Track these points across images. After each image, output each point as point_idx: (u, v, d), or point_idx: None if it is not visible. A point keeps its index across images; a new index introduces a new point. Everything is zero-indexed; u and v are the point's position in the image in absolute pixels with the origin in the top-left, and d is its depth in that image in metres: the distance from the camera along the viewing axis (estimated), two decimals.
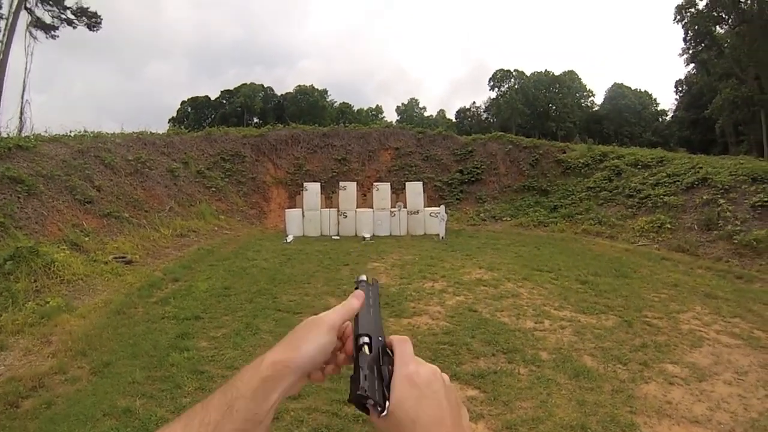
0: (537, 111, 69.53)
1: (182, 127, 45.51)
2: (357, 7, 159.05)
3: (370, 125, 28.16)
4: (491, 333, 6.31)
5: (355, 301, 0.69)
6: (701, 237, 12.20)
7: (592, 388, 4.82)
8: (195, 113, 76.26)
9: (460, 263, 10.79)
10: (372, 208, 16.35)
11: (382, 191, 16.53)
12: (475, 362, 5.46)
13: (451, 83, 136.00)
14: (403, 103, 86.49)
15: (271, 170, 20.68)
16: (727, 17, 36.37)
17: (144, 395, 4.67)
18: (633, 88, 69.95)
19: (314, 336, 0.63)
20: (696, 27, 37.54)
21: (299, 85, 77.00)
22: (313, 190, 16.57)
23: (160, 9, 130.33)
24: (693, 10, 37.71)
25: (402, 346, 0.63)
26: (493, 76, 73.97)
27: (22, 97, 25.27)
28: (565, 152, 20.41)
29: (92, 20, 30.57)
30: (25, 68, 26.23)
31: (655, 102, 70.29)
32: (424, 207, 16.48)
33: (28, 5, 27.78)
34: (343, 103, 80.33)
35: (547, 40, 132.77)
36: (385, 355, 0.63)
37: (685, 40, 40.05)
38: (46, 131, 15.42)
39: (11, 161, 11.20)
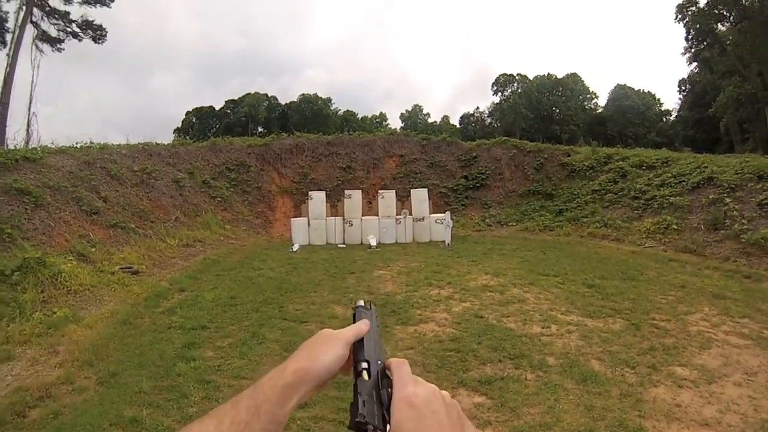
0: (541, 115, 69.48)
1: (187, 137, 45.75)
2: (360, 15, 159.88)
3: (375, 133, 28.23)
4: (498, 339, 6.29)
5: (364, 325, 0.72)
6: (708, 237, 12.11)
7: (600, 393, 4.78)
8: (200, 123, 76.73)
9: (466, 269, 10.76)
10: (377, 215, 16.37)
11: (388, 199, 16.53)
12: (481, 368, 5.44)
13: (454, 89, 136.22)
14: (407, 110, 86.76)
15: (276, 179, 20.73)
16: (728, 14, 36.27)
17: (151, 405, 4.68)
18: (636, 89, 69.67)
19: (331, 348, 0.66)
20: (697, 25, 37.43)
21: (303, 94, 77.40)
22: (318, 198, 16.60)
23: (164, 21, 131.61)
24: (694, 8, 37.59)
25: (400, 368, 0.63)
26: (496, 80, 74.19)
27: (29, 110, 25.61)
28: (569, 155, 20.36)
29: (97, 33, 30.85)
30: (32, 81, 26.60)
31: (658, 102, 70.05)
32: (430, 213, 16.47)
33: (34, 19, 28.13)
34: (347, 111, 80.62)
35: (549, 43, 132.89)
36: (384, 378, 0.64)
37: (686, 38, 39.93)
38: (52, 143, 15.63)
39: (18, 173, 11.29)
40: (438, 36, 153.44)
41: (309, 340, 0.69)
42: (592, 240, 14.74)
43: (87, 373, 5.52)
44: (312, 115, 72.07)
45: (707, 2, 36.51)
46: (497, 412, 4.48)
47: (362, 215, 16.48)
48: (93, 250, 10.65)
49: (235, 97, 77.26)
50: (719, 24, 37.69)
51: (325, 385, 0.68)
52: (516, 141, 22.92)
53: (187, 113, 78.36)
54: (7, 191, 10.39)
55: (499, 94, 73.87)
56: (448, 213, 15.39)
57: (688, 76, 52.81)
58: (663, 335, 6.40)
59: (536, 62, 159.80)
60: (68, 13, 29.42)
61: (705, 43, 39.11)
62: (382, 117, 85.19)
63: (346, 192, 17.12)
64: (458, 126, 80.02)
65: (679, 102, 60.17)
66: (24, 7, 27.29)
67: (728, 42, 37.18)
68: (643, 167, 17.18)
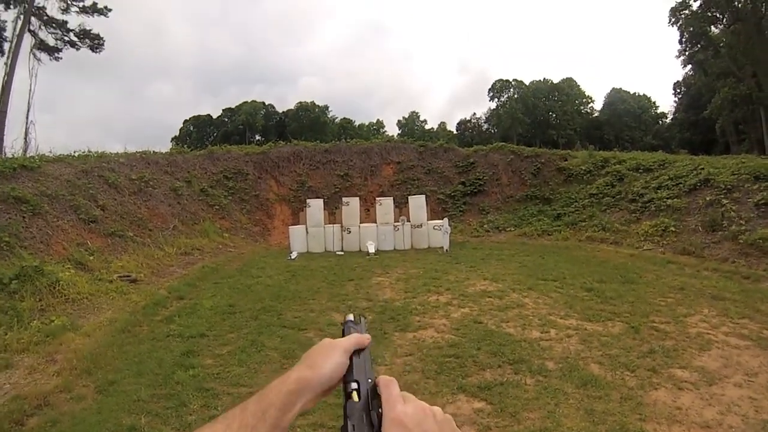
0: (537, 120, 69.72)
1: (185, 146, 45.78)
2: (356, 24, 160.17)
3: (372, 140, 28.28)
4: (497, 344, 6.27)
5: (364, 338, 0.73)
6: (706, 239, 12.14)
7: (600, 397, 4.77)
8: (197, 132, 76.80)
9: (464, 275, 10.76)
10: (375, 222, 16.37)
11: (385, 206, 16.54)
12: (481, 374, 5.42)
13: (451, 95, 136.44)
14: (403, 117, 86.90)
15: (274, 187, 20.75)
16: (721, 17, 36.51)
17: (149, 413, 4.65)
18: (632, 92, 70.17)
19: (331, 357, 0.68)
20: (691, 28, 37.64)
21: (300, 102, 77.51)
22: (316, 206, 16.61)
23: (162, 30, 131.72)
24: (687, 11, 37.85)
25: (388, 389, 0.62)
26: (492, 86, 74.39)
27: (27, 118, 25.64)
28: (566, 160, 20.42)
29: (95, 42, 30.94)
30: (29, 90, 26.64)
31: (654, 105, 70.35)
32: (428, 220, 16.47)
33: (31, 28, 28.21)
34: (345, 118, 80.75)
35: (545, 48, 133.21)
36: (374, 399, 0.62)
37: (680, 41, 40.16)
38: (50, 151, 15.64)
39: (16, 181, 11.29)
40: (434, 43, 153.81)
41: (311, 349, 0.70)
42: (591, 244, 14.75)
43: (85, 382, 5.49)
44: (309, 123, 72.15)
45: (700, 5, 36.76)
46: (497, 417, 4.46)
47: (360, 222, 16.47)
48: (91, 258, 10.63)
49: (233, 106, 77.44)
50: (712, 26, 37.95)
51: (329, 393, 0.69)
52: (513, 146, 22.99)
53: (185, 122, 78.51)
54: (4, 200, 10.38)
55: (496, 99, 74.10)
56: (446, 219, 15.41)
57: (683, 79, 53.17)
58: (662, 337, 6.39)
59: (532, 68, 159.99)
60: (66, 23, 29.56)
61: (699, 45, 39.33)
62: (380, 124, 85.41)
63: (344, 199, 17.13)
64: (455, 132, 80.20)
65: (675, 104, 60.57)
66: (22, 16, 27.38)
67: (722, 44, 37.43)
68: (640, 170, 17.23)
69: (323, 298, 9.17)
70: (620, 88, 70.57)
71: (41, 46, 28.76)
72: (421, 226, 16.22)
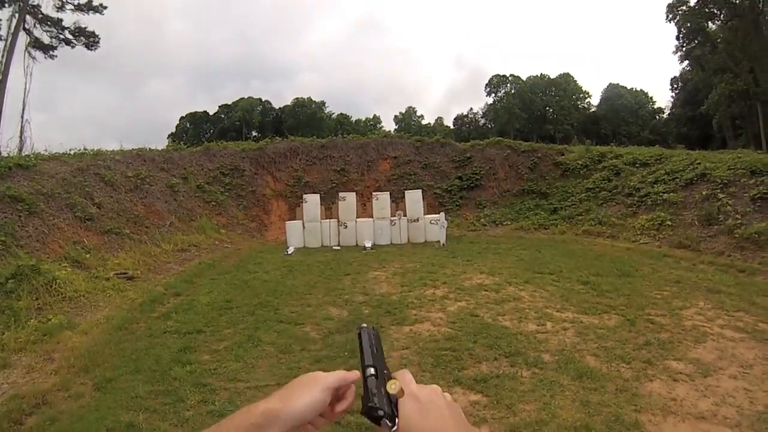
0: (534, 115, 69.68)
1: (181, 142, 45.50)
2: (353, 19, 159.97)
3: (368, 135, 28.17)
4: (493, 337, 6.30)
5: (353, 374, 0.73)
6: (702, 232, 12.19)
7: (596, 389, 4.80)
8: (194, 128, 76.54)
9: (461, 269, 10.78)
10: (372, 217, 16.36)
11: (382, 200, 16.54)
12: (477, 367, 5.45)
13: (448, 91, 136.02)
14: (400, 112, 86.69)
15: (270, 183, 20.72)
16: (718, 12, 36.49)
17: (147, 410, 4.66)
18: (629, 88, 70.08)
19: (309, 392, 0.67)
20: (688, 24, 37.69)
21: (297, 98, 77.37)
22: (312, 201, 16.59)
23: (158, 26, 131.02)
24: (684, 7, 37.89)
25: (403, 374, 0.68)
26: (489, 81, 74.35)
27: (22, 117, 25.44)
28: (563, 154, 20.42)
29: (90, 40, 30.78)
30: (25, 88, 26.45)
31: (651, 100, 70.34)
32: (424, 214, 16.46)
33: (26, 26, 28.05)
34: (341, 114, 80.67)
35: (542, 43, 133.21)
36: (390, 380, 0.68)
37: (678, 37, 40.22)
38: (46, 150, 15.57)
39: (12, 180, 11.26)
40: (431, 38, 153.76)
41: (294, 380, 0.69)
42: (587, 238, 14.79)
43: (83, 379, 5.49)
44: (306, 118, 72.10)
45: (697, 1, 36.78)
46: (493, 409, 4.49)
47: (357, 217, 16.46)
48: (87, 256, 10.63)
49: (229, 102, 77.24)
50: (710, 22, 37.98)
51: (305, 429, 0.68)
52: (510, 141, 22.94)
53: (181, 119, 78.27)
54: (0, 199, 10.35)
55: (493, 95, 74.06)
56: (442, 213, 15.41)
57: (680, 74, 53.20)
58: (658, 330, 6.43)
59: (529, 63, 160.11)
60: (61, 20, 29.39)
61: (696, 41, 39.40)
62: (376, 120, 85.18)
63: (341, 194, 17.12)
64: (452, 127, 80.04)
65: (672, 100, 60.54)
66: (17, 15, 27.23)
67: (719, 40, 37.45)
68: (637, 165, 17.26)
69: (320, 293, 9.18)
70: (617, 84, 70.61)
71: (36, 44, 28.59)
72: (417, 220, 16.23)
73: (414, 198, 16.68)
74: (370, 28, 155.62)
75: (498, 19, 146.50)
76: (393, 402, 0.64)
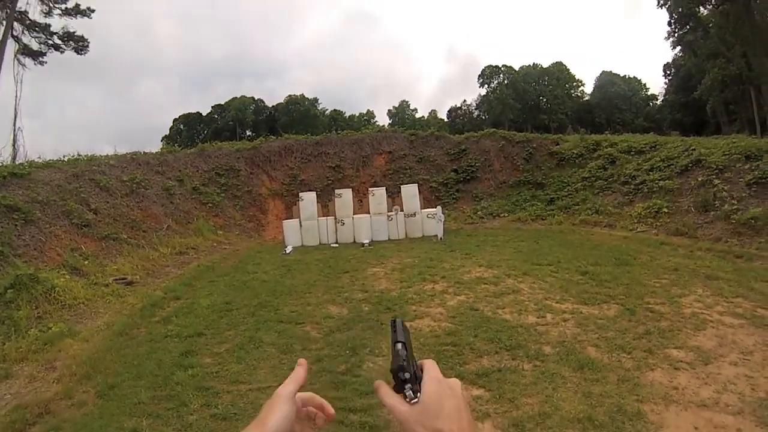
0: (528, 105, 69.66)
1: (175, 144, 45.35)
2: (343, 13, 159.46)
3: (362, 130, 28.11)
4: (494, 331, 6.31)
5: (300, 369, 0.79)
6: (699, 219, 12.21)
7: (598, 379, 4.82)
8: (187, 130, 76.34)
9: (459, 263, 10.79)
10: (369, 213, 16.35)
11: (378, 196, 16.52)
12: (478, 361, 5.46)
13: (440, 83, 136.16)
14: (394, 106, 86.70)
15: (266, 182, 20.68)
16: None
17: (150, 415, 4.67)
18: (622, 75, 70.19)
19: (276, 409, 0.71)
20: (680, 9, 37.54)
21: (290, 95, 77.16)
22: (309, 199, 16.57)
23: (147, 28, 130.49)
24: None
25: (431, 363, 0.74)
26: (482, 73, 74.25)
27: (14, 125, 25.32)
28: (558, 144, 20.41)
29: (79, 44, 30.59)
30: (15, 95, 26.26)
31: (644, 87, 70.48)
32: (421, 209, 16.47)
33: (14, 33, 27.85)
34: (335, 110, 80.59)
35: (534, 32, 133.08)
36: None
37: (669, 23, 40.12)
38: (39, 157, 15.54)
39: (6, 189, 11.20)
40: (422, 31, 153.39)
41: (264, 404, 0.74)
42: (584, 227, 14.81)
43: (85, 387, 5.49)
44: (299, 116, 71.89)
45: None
46: (496, 403, 4.50)
47: (353, 214, 16.46)
48: (86, 263, 10.59)
49: (222, 102, 77.12)
50: (701, 7, 37.84)
51: None
52: (504, 132, 22.92)
53: (175, 120, 78.07)
54: None
55: (486, 86, 73.97)
56: (439, 207, 15.42)
57: (673, 60, 53.22)
58: (658, 319, 6.45)
59: (521, 53, 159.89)
60: (49, 26, 29.15)
61: (688, 26, 39.30)
62: (370, 115, 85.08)
63: (337, 191, 17.10)
64: (446, 120, 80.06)
65: (665, 86, 60.71)
66: (4, 22, 27.03)
67: (711, 25, 37.36)
68: (632, 152, 17.26)
69: (319, 291, 9.19)
70: (610, 71, 70.74)
71: (25, 51, 28.40)
72: (414, 215, 16.21)
73: (410, 192, 16.66)
74: (360, 21, 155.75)
75: (489, 8, 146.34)
76: (419, 378, 0.69)
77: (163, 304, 8.92)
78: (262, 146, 21.92)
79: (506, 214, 18.01)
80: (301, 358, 0.81)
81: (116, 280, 10.27)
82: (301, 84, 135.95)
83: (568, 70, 72.24)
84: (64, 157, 15.68)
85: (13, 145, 23.96)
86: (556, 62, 72.41)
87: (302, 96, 76.94)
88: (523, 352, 5.58)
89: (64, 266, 10.04)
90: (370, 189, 17.46)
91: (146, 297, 9.37)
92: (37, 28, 28.74)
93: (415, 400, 0.66)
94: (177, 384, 5.31)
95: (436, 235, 14.65)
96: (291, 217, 16.83)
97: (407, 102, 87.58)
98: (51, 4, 28.53)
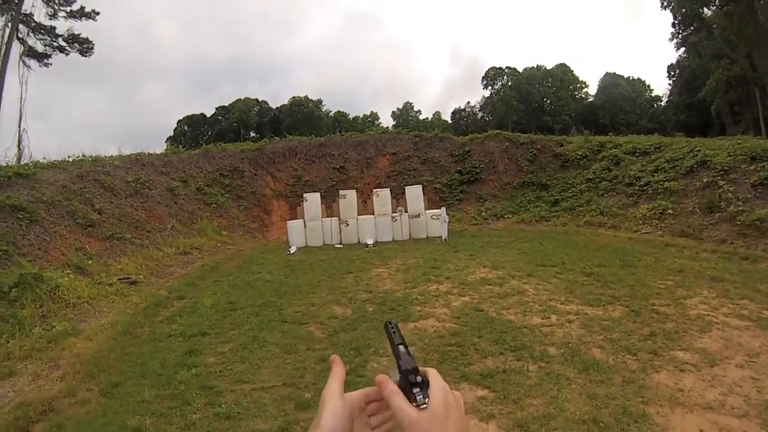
0: (532, 106, 69.50)
1: (180, 145, 45.50)
2: (347, 15, 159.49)
3: (367, 132, 28.18)
4: (498, 332, 6.29)
5: (336, 366, 0.77)
6: (704, 220, 12.17)
7: (603, 381, 4.79)
8: (192, 131, 76.56)
9: (463, 264, 10.77)
10: (373, 214, 16.35)
11: (382, 197, 16.52)
12: (483, 362, 5.44)
13: (444, 85, 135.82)
14: (398, 108, 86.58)
15: (270, 183, 20.71)
16: None
17: (154, 414, 4.66)
18: (626, 76, 69.90)
19: (324, 408, 0.70)
20: (683, 10, 37.39)
21: (294, 97, 77.23)
22: (313, 200, 16.58)
23: (152, 30, 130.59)
24: None
25: (435, 372, 0.71)
26: (485, 74, 74.09)
27: (19, 126, 25.47)
28: (562, 145, 20.41)
29: (84, 46, 30.67)
30: (21, 97, 26.44)
31: (648, 88, 70.17)
32: (425, 210, 16.45)
33: (20, 35, 27.95)
34: (339, 111, 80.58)
35: (537, 34, 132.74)
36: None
37: (673, 24, 39.96)
38: (44, 158, 15.60)
39: (11, 189, 11.25)
40: (427, 33, 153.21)
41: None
42: (589, 228, 14.77)
43: (89, 385, 5.49)
44: (303, 117, 72.00)
45: None
46: (500, 404, 4.48)
47: (358, 215, 16.46)
48: (90, 262, 10.62)
49: (226, 104, 77.22)
50: (705, 8, 37.69)
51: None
52: (508, 133, 22.92)
53: (179, 122, 78.26)
54: (1, 208, 10.35)
55: (490, 87, 73.87)
56: (443, 208, 15.40)
57: (677, 61, 52.93)
58: (663, 320, 6.42)
59: (525, 54, 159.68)
60: (54, 28, 29.22)
61: (692, 27, 39.13)
62: (374, 116, 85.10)
63: (341, 192, 17.11)
64: (450, 121, 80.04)
65: (669, 87, 60.31)
66: (10, 24, 27.12)
67: (715, 26, 37.20)
68: (637, 154, 17.23)
69: (323, 292, 9.18)
70: (614, 73, 70.41)
71: (30, 53, 28.50)
72: (418, 216, 16.21)
73: (414, 193, 16.66)
74: (363, 22, 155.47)
75: (493, 10, 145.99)
76: (426, 384, 0.67)
77: (166, 304, 8.94)
78: (266, 147, 21.97)
79: (510, 216, 17.99)
80: (333, 355, 0.79)
81: (120, 279, 10.29)
82: (305, 85, 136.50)
83: (572, 71, 72.13)
84: (68, 157, 15.78)
85: (19, 146, 24.14)
86: (560, 64, 72.34)
87: (306, 97, 77.06)
88: (527, 353, 5.56)
89: (69, 265, 10.07)
90: (374, 190, 17.46)
91: (150, 296, 9.38)
92: (42, 30, 28.83)
93: (425, 405, 0.65)
94: (180, 383, 5.31)
95: (441, 236, 14.64)
96: (295, 218, 16.86)
97: (411, 104, 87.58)
98: (56, 7, 28.62)
